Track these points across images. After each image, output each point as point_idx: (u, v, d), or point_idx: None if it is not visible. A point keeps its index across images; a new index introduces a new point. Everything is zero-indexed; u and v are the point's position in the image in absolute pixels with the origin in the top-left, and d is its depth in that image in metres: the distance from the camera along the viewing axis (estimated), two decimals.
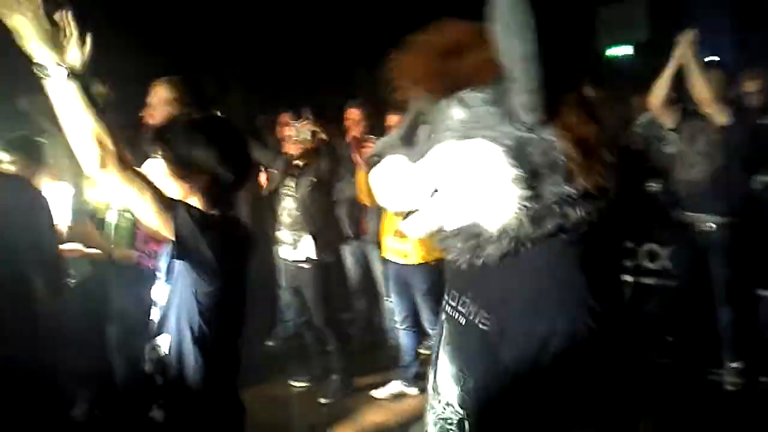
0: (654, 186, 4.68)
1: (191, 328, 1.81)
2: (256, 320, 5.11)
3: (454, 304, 1.28)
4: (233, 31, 7.58)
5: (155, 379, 1.87)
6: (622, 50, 9.52)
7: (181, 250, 1.72)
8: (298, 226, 4.03)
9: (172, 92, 2.54)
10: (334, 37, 7.54)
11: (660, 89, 4.02)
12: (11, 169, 3.11)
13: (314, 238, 4.01)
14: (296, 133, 4.00)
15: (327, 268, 4.14)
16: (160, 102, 2.53)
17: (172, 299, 1.84)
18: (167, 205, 1.69)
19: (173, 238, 1.69)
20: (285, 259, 4.19)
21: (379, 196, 1.32)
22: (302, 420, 3.90)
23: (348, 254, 4.70)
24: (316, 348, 4.28)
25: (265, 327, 5.02)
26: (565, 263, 1.15)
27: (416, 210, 1.28)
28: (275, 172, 4.21)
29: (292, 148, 4.07)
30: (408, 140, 1.28)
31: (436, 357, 1.31)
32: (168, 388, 1.85)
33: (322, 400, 4.01)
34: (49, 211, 2.86)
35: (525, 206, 1.13)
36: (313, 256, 4.03)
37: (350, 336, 4.68)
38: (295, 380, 4.35)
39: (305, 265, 4.08)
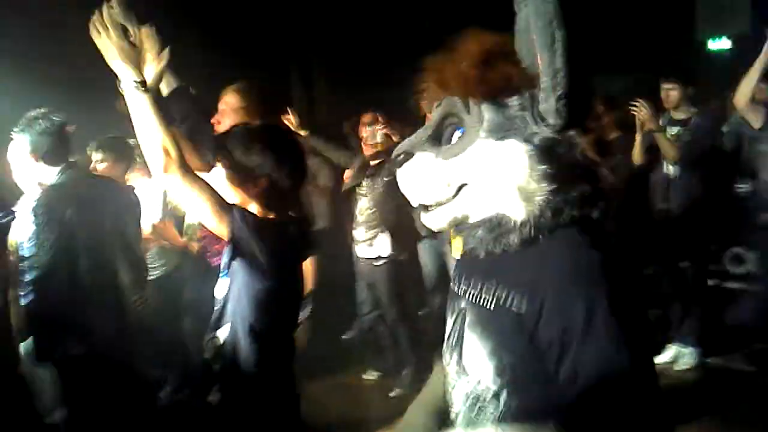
0: (743, 188, 4.51)
1: (245, 321, 1.95)
2: (333, 314, 5.35)
3: (476, 290, 1.36)
4: (320, 24, 7.70)
5: (213, 366, 2.03)
6: (721, 44, 9.10)
7: (236, 250, 1.87)
8: (373, 224, 4.15)
9: (240, 101, 2.68)
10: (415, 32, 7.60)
11: (746, 87, 3.88)
12: (102, 167, 3.38)
13: (388, 235, 4.12)
14: (371, 135, 4.12)
15: (401, 265, 4.24)
16: (228, 110, 2.68)
17: (229, 294, 1.99)
18: (224, 209, 1.84)
19: (228, 240, 1.83)
20: (360, 257, 4.32)
21: (407, 191, 1.41)
22: (372, 411, 4.02)
23: (423, 252, 4.79)
24: (389, 342, 4.39)
25: (344, 320, 5.19)
26: (582, 247, 1.25)
27: (439, 203, 1.37)
28: (353, 171, 4.35)
29: (367, 149, 4.19)
30: (435, 139, 1.38)
31: (458, 342, 1.38)
32: (224, 374, 2.01)
33: (393, 393, 4.12)
34: (135, 208, 3.09)
35: (548, 199, 1.24)
36: (387, 254, 4.15)
37: (424, 331, 4.76)
38: (369, 373, 4.48)
39: (379, 263, 4.21)
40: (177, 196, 1.82)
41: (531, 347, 1.23)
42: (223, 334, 2.00)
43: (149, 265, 3.83)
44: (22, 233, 2.85)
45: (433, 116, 1.40)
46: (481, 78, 1.26)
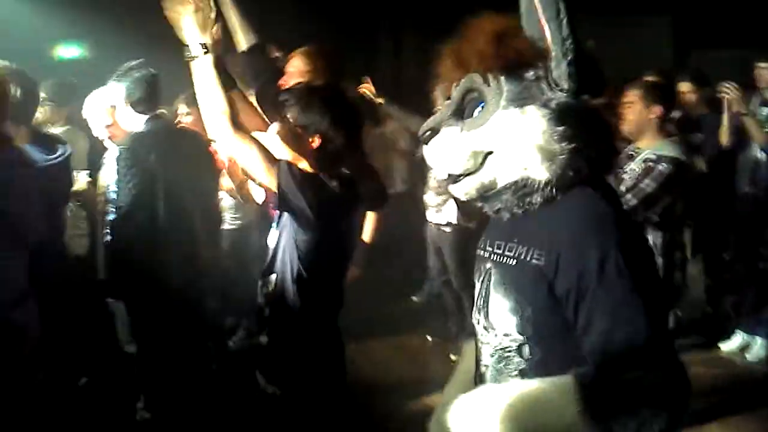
0: None
1: (292, 270, 2.09)
2: (407, 275, 5.48)
3: (500, 251, 1.46)
4: None
5: (264, 311, 2.19)
6: None
7: (282, 203, 2.01)
8: (443, 190, 4.21)
9: (306, 64, 2.80)
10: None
11: None
12: (187, 120, 3.59)
13: (457, 203, 4.18)
14: (441, 101, 4.17)
15: (468, 233, 4.29)
16: (294, 72, 2.80)
17: (279, 243, 2.14)
18: (272, 163, 1.97)
19: (276, 192, 1.97)
20: (430, 221, 4.42)
21: (435, 165, 1.49)
22: (431, 373, 4.13)
23: None
24: (454, 308, 4.48)
25: (416, 283, 5.32)
26: (596, 201, 1.35)
27: (468, 172, 1.45)
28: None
29: None
30: (458, 115, 1.46)
31: (485, 301, 1.47)
32: (272, 318, 2.16)
33: (453, 357, 4.22)
34: (215, 162, 3.27)
35: (568, 158, 1.33)
36: (455, 221, 4.22)
37: None
38: (432, 335, 4.60)
39: (447, 229, 4.30)
40: (229, 153, 1.97)
41: (550, 299, 1.32)
42: (272, 280, 2.15)
43: (228, 217, 4.07)
44: (109, 177, 3.10)
45: (453, 94, 1.48)
46: (497, 52, 1.37)
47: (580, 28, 1.34)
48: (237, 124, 1.97)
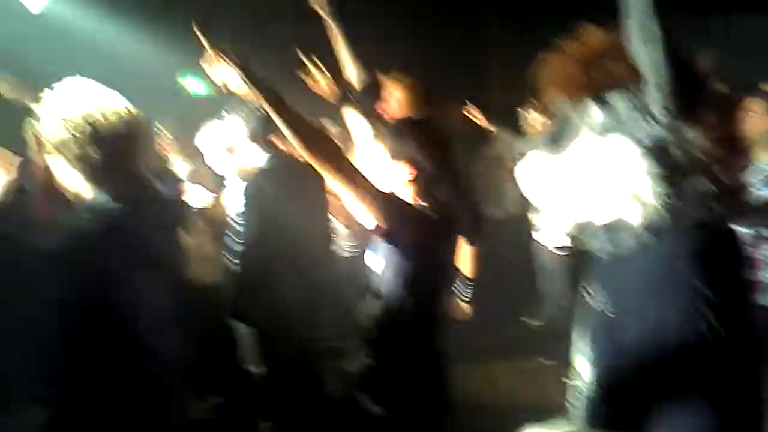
0: None
1: (389, 294, 2.22)
2: (518, 299, 5.46)
3: (592, 293, 1.44)
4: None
5: (368, 333, 2.32)
6: None
7: (385, 232, 2.14)
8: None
9: (404, 94, 2.94)
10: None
11: None
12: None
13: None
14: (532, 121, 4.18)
15: (580, 256, 4.25)
16: (392, 100, 2.94)
17: (382, 268, 2.26)
18: (374, 195, 2.11)
19: (380, 223, 2.11)
20: (542, 244, 4.41)
21: (524, 189, 1.54)
22: (545, 396, 4.12)
23: None
24: (566, 331, 4.43)
25: (529, 306, 5.30)
26: (686, 255, 1.26)
27: (560, 203, 1.45)
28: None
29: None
30: (552, 140, 1.47)
31: (580, 340, 1.47)
32: (377, 341, 2.29)
33: (565, 380, 4.17)
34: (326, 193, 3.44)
35: (666, 202, 1.25)
36: (565, 244, 4.20)
37: None
38: (545, 358, 4.57)
39: (560, 252, 4.27)
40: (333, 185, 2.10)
41: (616, 349, 1.32)
42: (372, 304, 2.28)
43: (344, 245, 4.25)
44: (234, 206, 3.31)
45: (544, 119, 1.50)
46: (585, 78, 1.32)
47: (692, 31, 1.19)
48: (339, 154, 2.10)
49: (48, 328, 1.72)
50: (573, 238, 3.40)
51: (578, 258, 4.23)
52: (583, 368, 1.40)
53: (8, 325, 1.67)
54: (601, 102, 1.31)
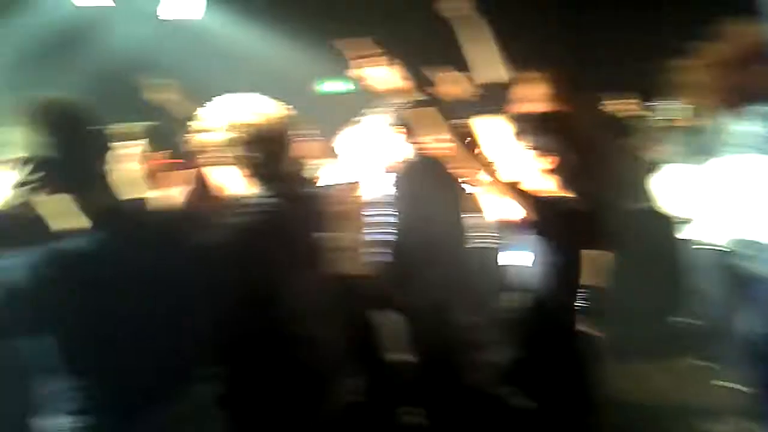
0: None
1: (537, 288, 2.23)
2: (670, 297, 5.24)
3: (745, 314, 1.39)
4: None
5: (514, 327, 2.36)
6: None
7: (534, 226, 2.17)
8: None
9: (535, 90, 2.91)
10: None
11: None
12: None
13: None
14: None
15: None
16: (529, 96, 2.93)
17: (530, 262, 2.29)
18: (525, 193, 2.15)
19: (526, 218, 2.15)
20: (694, 242, 4.21)
21: (660, 200, 1.48)
22: (695, 397, 3.96)
23: None
24: (717, 331, 4.22)
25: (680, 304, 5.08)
26: None
27: (707, 216, 1.38)
28: None
29: None
30: (694, 151, 1.41)
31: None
32: (524, 334, 2.32)
33: (715, 382, 3.99)
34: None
35: None
36: (716, 242, 3.99)
37: None
38: (698, 358, 4.39)
39: (714, 252, 4.07)
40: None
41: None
42: (518, 297, 2.32)
43: (486, 238, 4.27)
44: (383, 200, 3.43)
45: (683, 126, 1.41)
46: (715, 87, 1.22)
47: None
48: (489, 164, 2.17)
49: (218, 315, 1.88)
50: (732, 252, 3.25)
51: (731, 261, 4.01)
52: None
53: (179, 314, 1.82)
54: (754, 113, 1.19)
